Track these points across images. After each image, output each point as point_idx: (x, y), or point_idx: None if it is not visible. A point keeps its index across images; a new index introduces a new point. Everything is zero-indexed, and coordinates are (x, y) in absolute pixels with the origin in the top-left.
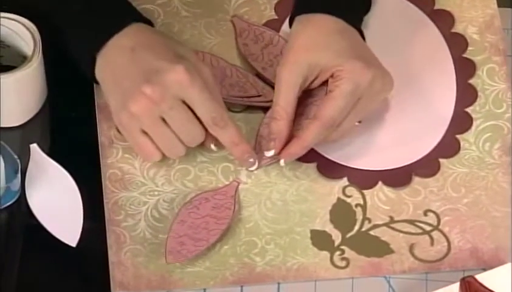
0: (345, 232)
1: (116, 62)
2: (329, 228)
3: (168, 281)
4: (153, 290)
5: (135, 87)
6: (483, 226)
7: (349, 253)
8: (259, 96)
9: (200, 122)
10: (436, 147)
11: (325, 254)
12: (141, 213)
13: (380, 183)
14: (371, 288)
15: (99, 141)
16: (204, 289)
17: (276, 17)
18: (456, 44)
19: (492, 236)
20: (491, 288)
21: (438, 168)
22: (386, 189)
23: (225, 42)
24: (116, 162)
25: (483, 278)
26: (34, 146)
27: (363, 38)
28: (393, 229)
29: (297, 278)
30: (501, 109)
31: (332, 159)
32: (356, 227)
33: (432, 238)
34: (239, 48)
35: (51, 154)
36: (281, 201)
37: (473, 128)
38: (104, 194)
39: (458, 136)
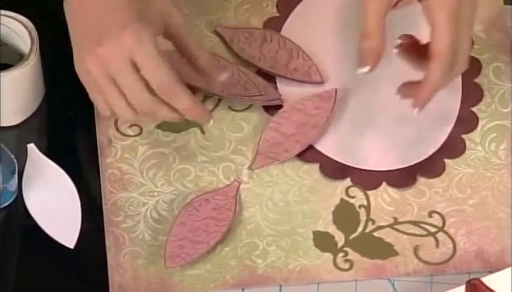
0: (348, 233)
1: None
2: (332, 229)
3: (168, 284)
4: None
5: (89, 42)
6: (489, 228)
7: (352, 255)
8: (260, 95)
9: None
10: (441, 147)
11: (328, 256)
12: (140, 214)
13: (384, 183)
14: (375, 291)
15: (97, 140)
16: None
17: (277, 14)
18: None
19: (499, 238)
20: (497, 290)
21: (443, 169)
22: (390, 190)
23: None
24: (115, 162)
25: (489, 280)
26: (31, 146)
27: None
28: (397, 230)
29: (299, 281)
30: (508, 108)
31: (336, 159)
32: (360, 229)
33: (437, 239)
34: (238, 54)
35: (49, 154)
36: (283, 202)
37: (479, 127)
38: (102, 194)
39: (463, 136)
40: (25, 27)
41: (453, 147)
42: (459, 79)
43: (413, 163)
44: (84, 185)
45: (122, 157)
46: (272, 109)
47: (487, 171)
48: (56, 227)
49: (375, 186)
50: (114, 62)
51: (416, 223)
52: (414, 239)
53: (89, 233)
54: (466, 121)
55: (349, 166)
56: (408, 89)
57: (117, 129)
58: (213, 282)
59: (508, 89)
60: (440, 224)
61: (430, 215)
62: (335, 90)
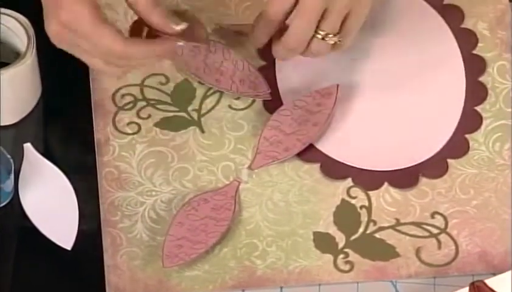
0: (349, 234)
1: None
2: (333, 230)
3: (166, 286)
4: None
5: (50, 11)
6: (493, 229)
7: (353, 256)
8: (270, 92)
9: None
10: (444, 147)
11: (328, 257)
12: (138, 214)
13: (386, 184)
14: None
15: (95, 139)
16: None
17: None
18: (466, 40)
19: (502, 239)
20: None
21: (446, 169)
22: (392, 190)
23: None
24: (112, 160)
25: (493, 282)
26: (28, 146)
27: None
28: (399, 231)
29: (299, 282)
30: None
31: (337, 159)
32: (361, 230)
33: (439, 241)
34: (181, 69)
35: (46, 154)
36: (283, 202)
37: (482, 127)
38: (100, 194)
39: (467, 136)
40: (22, 24)
41: (456, 147)
42: (462, 78)
43: (415, 164)
44: (81, 185)
45: (120, 155)
46: (272, 107)
47: (490, 171)
48: (53, 228)
49: (377, 186)
50: (66, 31)
51: (418, 224)
52: (416, 241)
53: (86, 234)
54: (470, 121)
55: (350, 166)
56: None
57: (115, 127)
58: (211, 283)
59: None
60: (443, 226)
61: (432, 216)
62: (337, 86)
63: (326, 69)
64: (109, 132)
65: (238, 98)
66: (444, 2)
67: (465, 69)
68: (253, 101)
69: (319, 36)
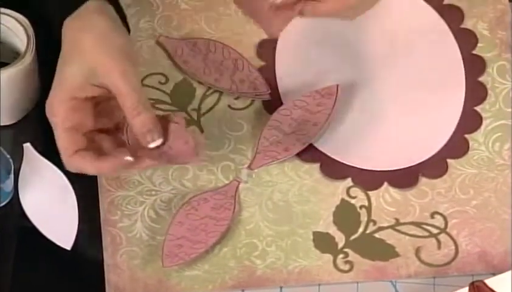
0: (349, 234)
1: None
2: (333, 230)
3: (166, 286)
4: None
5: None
6: (492, 229)
7: (353, 256)
8: (269, 93)
9: None
10: (444, 147)
11: (328, 257)
12: (137, 214)
13: (385, 184)
14: None
15: None
16: None
17: None
18: (466, 40)
19: (502, 239)
20: None
21: (446, 169)
22: (392, 190)
23: (226, 37)
24: None
25: (493, 282)
26: (27, 146)
27: None
28: (398, 231)
29: (298, 282)
30: None
31: (336, 159)
32: (360, 230)
33: (439, 241)
34: (182, 68)
35: (45, 154)
36: (283, 202)
37: (482, 127)
38: (99, 193)
39: (466, 136)
40: (22, 24)
41: (456, 147)
42: (462, 78)
43: (415, 163)
44: (81, 185)
45: None
46: (272, 107)
47: (490, 171)
48: (53, 228)
49: (376, 186)
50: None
51: (418, 224)
52: (416, 241)
53: (86, 234)
54: (470, 121)
55: (350, 166)
56: None
57: None
58: (211, 283)
59: None
60: (442, 226)
61: (432, 216)
62: (337, 86)
63: (326, 69)
64: None
65: (237, 98)
66: (444, 2)
67: (465, 69)
68: (253, 101)
69: None
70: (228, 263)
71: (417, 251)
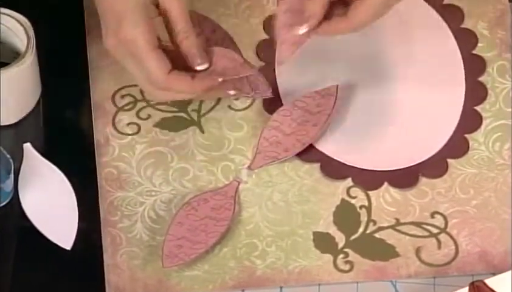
0: (349, 234)
1: None
2: (333, 230)
3: (166, 286)
4: None
5: (108, 29)
6: (492, 229)
7: (353, 256)
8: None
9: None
10: (444, 147)
11: (328, 257)
12: (137, 214)
13: (386, 184)
14: None
15: (94, 139)
16: None
17: None
18: (466, 40)
19: (502, 239)
20: None
21: (446, 169)
22: (392, 190)
23: None
24: (112, 161)
25: (493, 282)
26: (27, 146)
27: None
28: (398, 231)
29: (298, 282)
30: None
31: (336, 159)
32: (360, 230)
33: (439, 241)
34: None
35: (45, 154)
36: (283, 202)
37: (482, 127)
38: (99, 194)
39: (466, 136)
40: (22, 24)
41: (456, 147)
42: (462, 78)
43: (415, 163)
44: (81, 185)
45: (119, 155)
46: (272, 107)
47: (490, 171)
48: (53, 228)
49: (376, 186)
50: (121, 46)
51: (418, 224)
52: (416, 241)
53: (86, 234)
54: (470, 121)
55: (350, 166)
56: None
57: (115, 128)
58: (211, 283)
59: None
60: (442, 225)
61: (432, 215)
62: (337, 87)
63: (326, 69)
64: (108, 133)
65: (237, 98)
66: (444, 2)
67: (465, 69)
68: (253, 101)
69: None
70: (228, 263)
71: (417, 251)
